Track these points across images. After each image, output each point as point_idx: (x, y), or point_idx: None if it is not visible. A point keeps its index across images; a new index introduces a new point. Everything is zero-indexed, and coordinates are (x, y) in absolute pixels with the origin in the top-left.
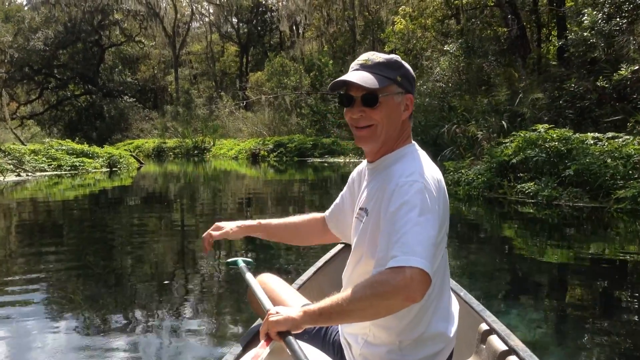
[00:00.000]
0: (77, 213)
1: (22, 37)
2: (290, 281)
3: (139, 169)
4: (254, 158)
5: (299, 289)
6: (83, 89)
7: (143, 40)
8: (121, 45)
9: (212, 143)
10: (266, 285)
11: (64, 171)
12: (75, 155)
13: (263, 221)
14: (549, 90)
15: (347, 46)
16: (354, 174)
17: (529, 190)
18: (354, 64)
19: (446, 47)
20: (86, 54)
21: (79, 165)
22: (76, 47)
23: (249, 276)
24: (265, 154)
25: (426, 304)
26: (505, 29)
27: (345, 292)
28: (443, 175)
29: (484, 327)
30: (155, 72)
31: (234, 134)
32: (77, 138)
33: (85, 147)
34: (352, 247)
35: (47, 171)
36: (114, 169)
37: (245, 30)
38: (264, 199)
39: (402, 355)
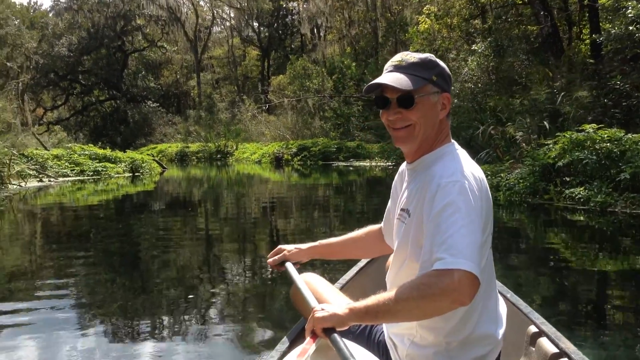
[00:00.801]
0: (101, 219)
1: (46, 43)
2: (333, 281)
3: (161, 173)
4: (278, 162)
5: (342, 288)
6: (107, 95)
7: (165, 45)
8: (144, 50)
9: (234, 147)
10: (309, 285)
11: (87, 176)
12: (97, 161)
13: (322, 241)
14: (586, 89)
15: (370, 48)
16: (395, 178)
17: (580, 195)
18: (387, 65)
19: (474, 47)
20: (110, 59)
21: (102, 171)
22: (100, 52)
23: (295, 275)
24: (289, 157)
25: (473, 305)
26: (535, 27)
27: (391, 292)
28: None
29: (532, 329)
30: (178, 77)
31: (257, 137)
32: (101, 143)
33: (108, 152)
34: (395, 249)
35: (69, 176)
36: (136, 173)
37: (267, 34)
38: (288, 203)
39: (450, 357)
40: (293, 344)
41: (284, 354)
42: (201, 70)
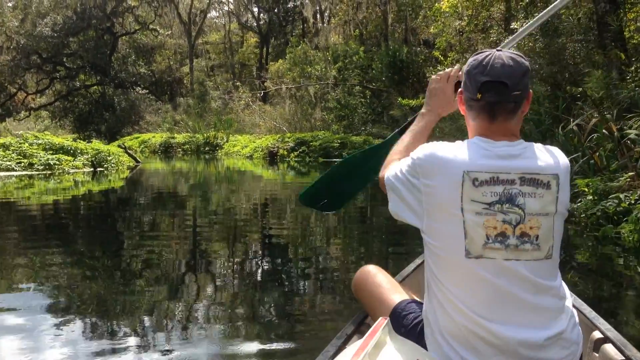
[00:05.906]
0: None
1: (29, 22)
2: (394, 274)
3: (134, 168)
4: (272, 157)
5: (401, 282)
6: (95, 80)
7: (158, 29)
8: (135, 33)
9: (225, 139)
10: (369, 277)
11: (36, 171)
12: (52, 152)
13: None
14: None
15: (378, 33)
16: None
17: None
18: None
19: (513, 25)
20: (98, 42)
21: (55, 164)
22: (87, 34)
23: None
24: (285, 153)
25: None
26: (589, 5)
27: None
28: (574, 200)
29: (597, 335)
30: (171, 63)
31: (250, 129)
32: (80, 132)
33: (67, 141)
34: None
35: (15, 170)
36: (99, 168)
37: (266, 19)
38: (282, 206)
39: None
40: (350, 337)
41: (343, 343)
42: (195, 56)
